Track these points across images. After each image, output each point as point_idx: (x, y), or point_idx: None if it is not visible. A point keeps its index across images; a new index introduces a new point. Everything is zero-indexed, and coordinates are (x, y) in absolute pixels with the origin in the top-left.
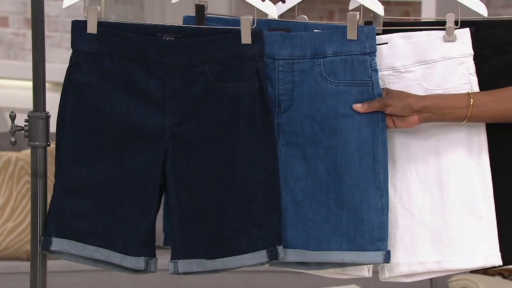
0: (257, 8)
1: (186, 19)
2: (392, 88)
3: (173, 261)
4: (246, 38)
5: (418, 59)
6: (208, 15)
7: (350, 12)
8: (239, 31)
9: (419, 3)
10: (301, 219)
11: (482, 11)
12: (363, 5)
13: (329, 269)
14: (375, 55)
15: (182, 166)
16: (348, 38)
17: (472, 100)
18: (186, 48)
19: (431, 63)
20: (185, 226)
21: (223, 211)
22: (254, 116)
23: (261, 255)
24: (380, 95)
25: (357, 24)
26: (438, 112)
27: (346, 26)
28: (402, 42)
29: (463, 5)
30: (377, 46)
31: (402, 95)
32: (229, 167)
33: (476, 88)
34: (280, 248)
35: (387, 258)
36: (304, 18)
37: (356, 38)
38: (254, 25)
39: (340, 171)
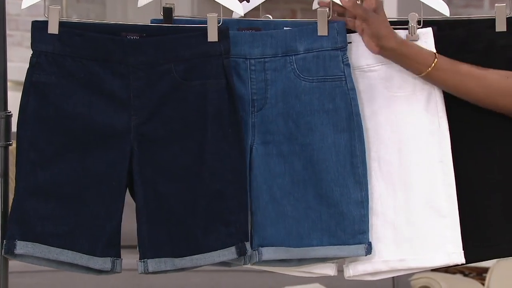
0: (222, 7)
1: (153, 23)
2: (358, 86)
3: (142, 260)
4: (212, 36)
5: (381, 58)
6: (176, 18)
7: (320, 9)
8: (205, 29)
9: (381, 2)
10: (280, 217)
11: (444, 10)
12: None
13: (295, 267)
14: (346, 50)
15: (148, 165)
16: (318, 34)
17: (434, 63)
18: (151, 47)
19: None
20: (153, 225)
21: (190, 209)
22: (222, 114)
23: (230, 252)
24: (353, 89)
25: (327, 20)
26: (400, 58)
27: (316, 22)
28: None
29: (426, 4)
30: None
31: (382, 26)
32: (196, 165)
33: (436, 89)
34: (247, 244)
35: (369, 251)
36: (268, 17)
37: (327, 34)
38: (220, 23)
39: (318, 167)
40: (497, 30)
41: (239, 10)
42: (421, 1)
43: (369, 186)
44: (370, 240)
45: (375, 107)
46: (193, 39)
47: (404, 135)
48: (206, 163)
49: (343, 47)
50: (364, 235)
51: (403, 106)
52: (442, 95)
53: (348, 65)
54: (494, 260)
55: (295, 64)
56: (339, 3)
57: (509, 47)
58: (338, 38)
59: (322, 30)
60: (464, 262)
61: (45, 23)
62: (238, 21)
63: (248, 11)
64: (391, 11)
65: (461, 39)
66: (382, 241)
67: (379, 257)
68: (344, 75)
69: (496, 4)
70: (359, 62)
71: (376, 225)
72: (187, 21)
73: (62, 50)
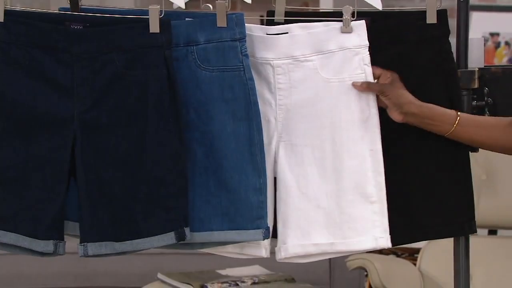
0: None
1: (61, 10)
2: (293, 76)
3: (82, 244)
4: (154, 27)
5: (316, 49)
6: (82, 6)
7: (218, 1)
8: (147, 21)
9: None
10: None
11: (377, 4)
12: None
13: (227, 249)
14: (245, 41)
15: (91, 152)
16: (218, 25)
17: (458, 120)
18: (95, 36)
19: (328, 53)
20: (94, 210)
21: (131, 195)
22: (162, 103)
23: (169, 237)
24: (252, 79)
25: (226, 12)
26: (424, 121)
27: (216, 14)
28: (302, 32)
29: None
30: (277, 35)
31: (401, 95)
32: (137, 152)
33: (370, 78)
34: (187, 230)
35: (266, 235)
36: (209, 7)
37: (225, 25)
38: (162, 15)
39: (218, 154)
40: (428, 22)
41: (179, 3)
42: None
43: (302, 172)
44: (268, 225)
45: (309, 95)
46: (135, 30)
47: (337, 122)
48: (147, 150)
49: (242, 38)
50: (261, 220)
51: (337, 94)
52: None
53: (246, 55)
54: (425, 242)
55: (196, 54)
56: None
57: (439, 38)
58: (237, 30)
59: (221, 22)
60: (390, 246)
61: None
62: (177, 13)
63: (189, 1)
64: (327, 2)
65: (394, 30)
66: (313, 225)
67: (310, 240)
68: (243, 65)
69: None
70: (295, 52)
71: (308, 209)
72: (92, 10)
73: (8, 38)
